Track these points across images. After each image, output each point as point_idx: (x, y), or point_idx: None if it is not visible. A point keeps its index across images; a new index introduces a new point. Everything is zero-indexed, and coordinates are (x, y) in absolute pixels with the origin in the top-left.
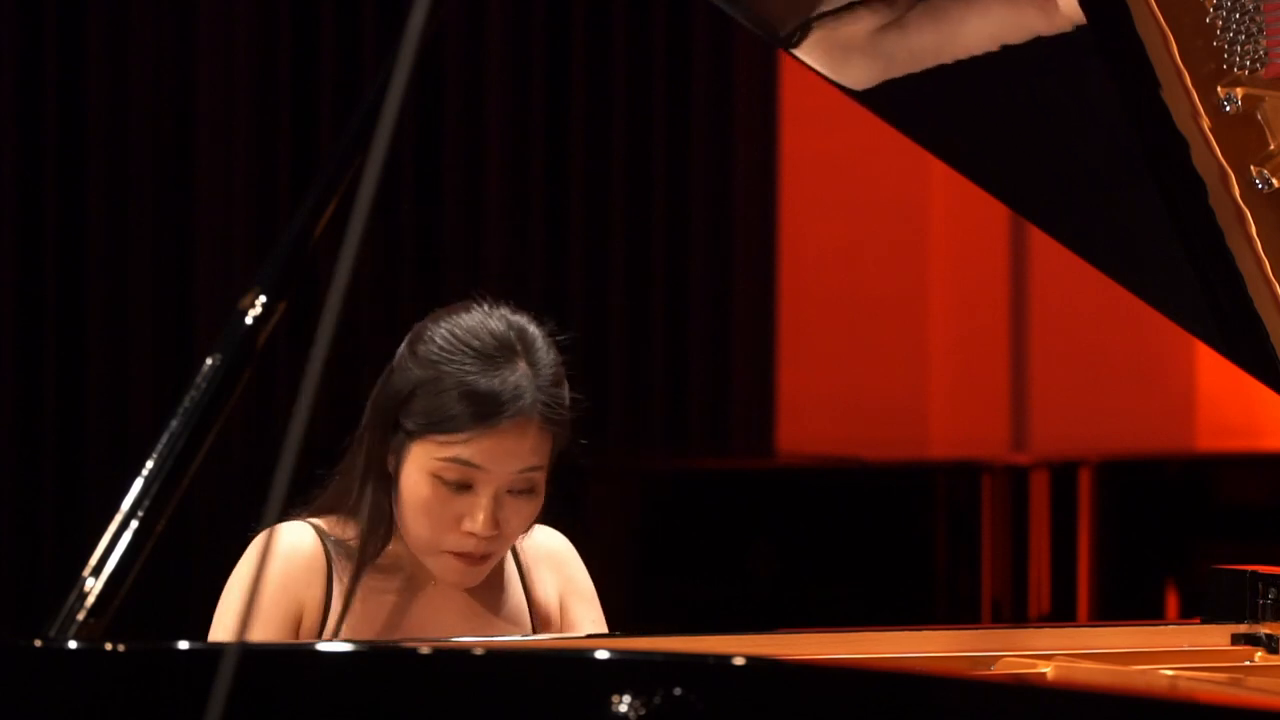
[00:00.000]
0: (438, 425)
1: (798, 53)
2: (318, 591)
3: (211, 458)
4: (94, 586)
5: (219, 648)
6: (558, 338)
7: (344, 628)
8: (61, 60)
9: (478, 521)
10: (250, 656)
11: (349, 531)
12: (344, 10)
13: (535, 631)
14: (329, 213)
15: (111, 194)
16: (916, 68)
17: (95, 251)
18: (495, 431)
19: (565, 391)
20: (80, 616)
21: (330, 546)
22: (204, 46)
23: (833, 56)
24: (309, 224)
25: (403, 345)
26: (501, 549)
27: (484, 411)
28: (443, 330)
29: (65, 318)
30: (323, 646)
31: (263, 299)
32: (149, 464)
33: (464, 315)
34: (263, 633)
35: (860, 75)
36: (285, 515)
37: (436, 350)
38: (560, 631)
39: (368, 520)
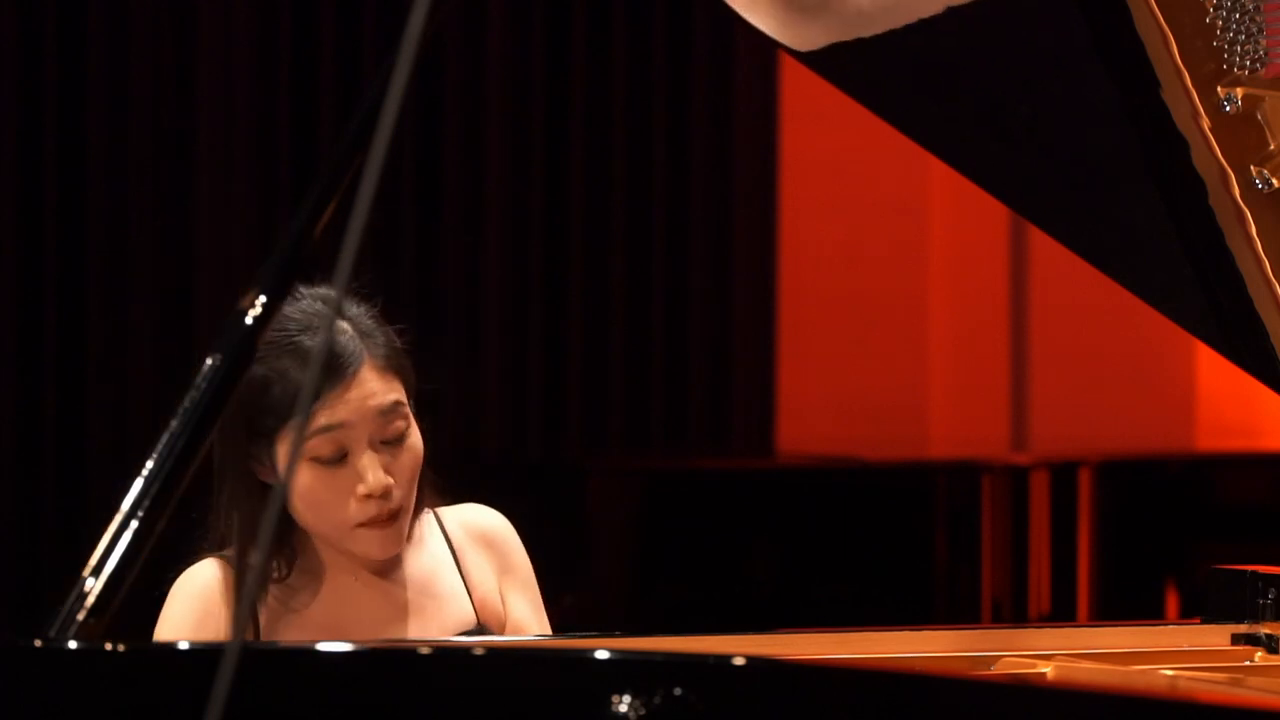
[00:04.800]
0: (290, 411)
1: (733, 4)
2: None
3: (211, 458)
4: (94, 586)
5: (219, 647)
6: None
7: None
8: (61, 60)
9: (369, 480)
10: (250, 656)
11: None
12: (344, 10)
13: (476, 614)
14: (329, 213)
15: (111, 194)
16: (866, 31)
17: (95, 251)
18: (341, 387)
19: (388, 331)
20: (80, 616)
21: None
22: (204, 46)
23: (778, 14)
24: (309, 224)
25: None
26: (408, 503)
27: (321, 376)
28: None
29: (65, 318)
30: (323, 646)
31: (263, 299)
32: (149, 464)
33: None
34: None
35: (805, 35)
36: (198, 556)
37: (261, 351)
38: (502, 615)
39: (243, 541)
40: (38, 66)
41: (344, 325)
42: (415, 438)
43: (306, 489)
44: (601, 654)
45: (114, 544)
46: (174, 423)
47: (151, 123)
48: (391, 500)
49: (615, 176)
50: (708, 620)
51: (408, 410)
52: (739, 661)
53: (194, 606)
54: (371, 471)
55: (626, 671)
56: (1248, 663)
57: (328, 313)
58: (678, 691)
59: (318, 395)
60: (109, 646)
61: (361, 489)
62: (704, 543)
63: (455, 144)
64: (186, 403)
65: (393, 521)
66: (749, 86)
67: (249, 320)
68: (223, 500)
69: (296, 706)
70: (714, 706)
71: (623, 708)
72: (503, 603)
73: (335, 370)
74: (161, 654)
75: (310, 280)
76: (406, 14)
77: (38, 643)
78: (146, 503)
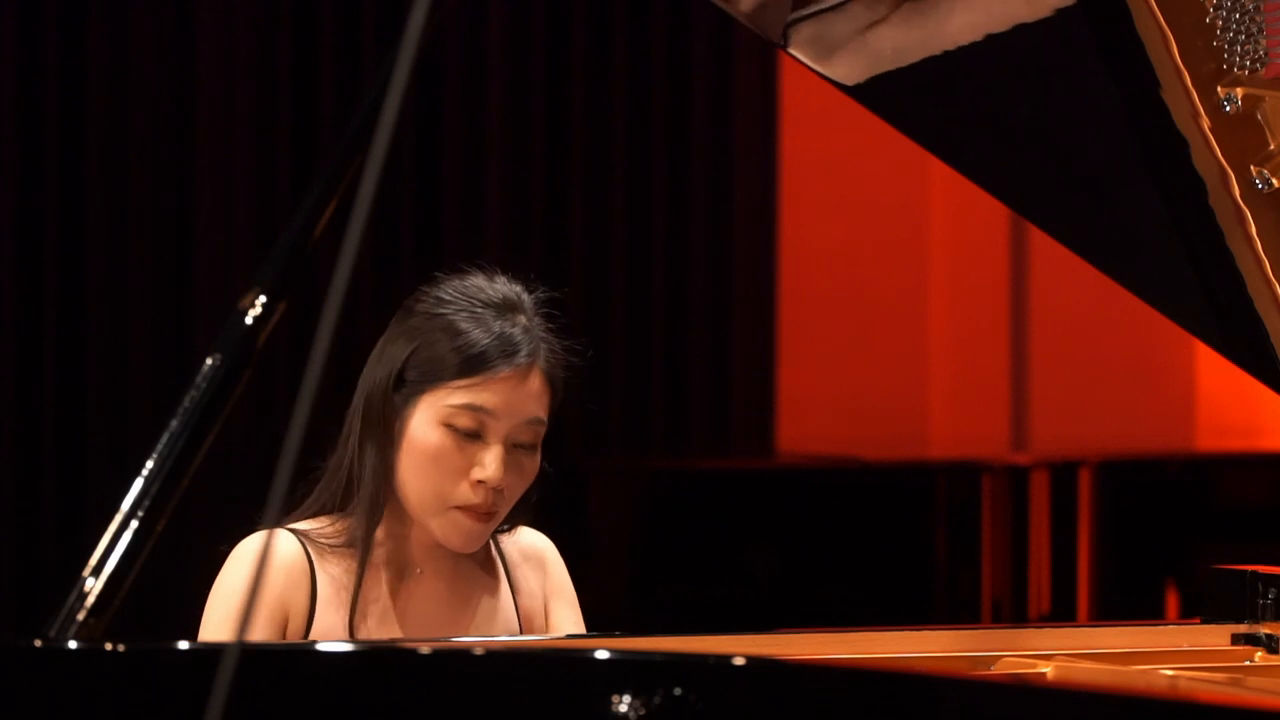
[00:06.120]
0: (451, 370)
1: (793, 50)
2: (301, 595)
3: (211, 458)
4: (94, 586)
5: (219, 648)
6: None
7: (336, 620)
8: (61, 59)
9: (489, 469)
10: (250, 656)
11: (332, 528)
12: (344, 10)
13: (520, 628)
14: (329, 213)
15: (111, 193)
16: (904, 62)
17: (95, 251)
18: (506, 375)
19: (557, 347)
20: (80, 616)
21: (310, 549)
22: (204, 46)
23: (823, 52)
24: (309, 224)
25: (393, 319)
26: (503, 512)
27: (498, 352)
28: (447, 287)
29: (65, 318)
30: (323, 646)
31: (263, 299)
32: (149, 464)
33: (466, 277)
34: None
35: (850, 70)
36: (254, 527)
37: (445, 303)
38: (542, 631)
39: (369, 502)
40: (38, 65)
41: (526, 322)
42: (538, 457)
43: (428, 451)
44: (601, 654)
45: (114, 544)
46: (174, 423)
47: (152, 122)
48: (496, 500)
49: (615, 177)
50: (708, 620)
51: (544, 429)
52: (739, 661)
53: (252, 573)
54: (494, 463)
55: (626, 671)
56: (1248, 663)
57: (516, 300)
58: (678, 691)
59: (482, 367)
60: (109, 646)
61: (478, 473)
62: (704, 543)
63: (455, 144)
64: (186, 403)
65: (486, 519)
66: (749, 86)
67: (249, 320)
68: (351, 453)
69: (296, 706)
70: (714, 706)
71: (623, 708)
72: (546, 618)
73: (511, 351)
74: (161, 654)
75: (313, 279)
76: (406, 14)
77: (38, 643)
78: (146, 503)
